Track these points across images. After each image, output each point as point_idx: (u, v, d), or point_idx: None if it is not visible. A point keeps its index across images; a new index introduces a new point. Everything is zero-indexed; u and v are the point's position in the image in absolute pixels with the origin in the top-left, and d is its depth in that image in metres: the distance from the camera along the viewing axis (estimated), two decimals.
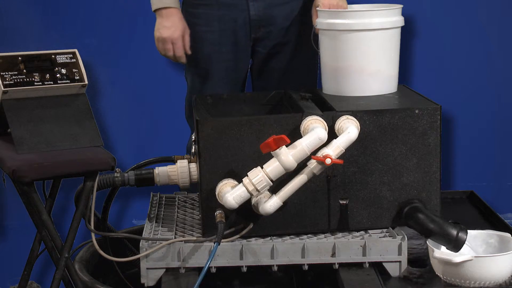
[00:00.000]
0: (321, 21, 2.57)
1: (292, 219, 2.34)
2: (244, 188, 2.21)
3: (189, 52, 2.76)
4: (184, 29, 2.74)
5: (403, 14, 2.59)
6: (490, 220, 2.66)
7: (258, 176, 2.20)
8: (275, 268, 2.31)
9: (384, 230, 2.37)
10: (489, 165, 3.35)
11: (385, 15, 2.51)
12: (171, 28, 2.71)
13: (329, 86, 2.59)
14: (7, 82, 2.48)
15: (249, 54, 2.85)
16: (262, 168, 2.21)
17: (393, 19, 2.53)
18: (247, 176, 2.22)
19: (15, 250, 3.24)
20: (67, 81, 2.54)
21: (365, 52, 2.51)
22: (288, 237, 2.34)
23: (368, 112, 2.32)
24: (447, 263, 2.19)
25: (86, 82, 2.56)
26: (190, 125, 2.95)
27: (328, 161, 2.21)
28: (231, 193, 2.22)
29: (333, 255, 2.29)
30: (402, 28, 2.59)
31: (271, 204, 2.23)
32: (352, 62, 2.52)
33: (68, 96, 2.56)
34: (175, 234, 2.39)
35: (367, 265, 2.30)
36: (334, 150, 2.23)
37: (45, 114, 2.51)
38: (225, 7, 2.78)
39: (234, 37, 2.80)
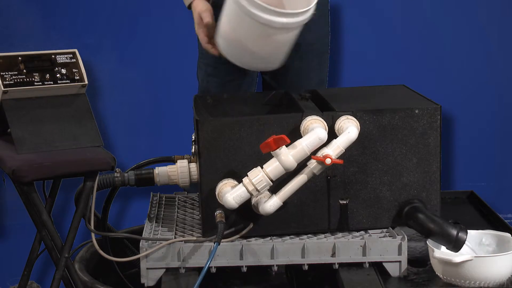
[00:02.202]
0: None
1: (292, 219, 2.34)
2: (244, 188, 2.21)
3: (208, 43, 2.63)
4: (201, 22, 2.61)
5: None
6: (490, 220, 2.66)
7: (258, 176, 2.20)
8: (275, 268, 2.32)
9: (384, 230, 2.37)
10: (489, 165, 3.35)
11: None
12: (195, 24, 2.65)
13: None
14: (7, 82, 2.47)
15: None
16: (262, 168, 2.21)
17: None
18: (247, 176, 2.22)
19: (15, 250, 3.24)
20: (67, 81, 2.54)
21: None
22: (288, 237, 2.34)
23: (368, 112, 2.32)
24: (447, 263, 2.19)
25: (86, 82, 2.56)
26: None
27: (328, 161, 2.21)
28: (231, 193, 2.22)
29: (333, 255, 2.29)
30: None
31: (271, 204, 2.23)
32: None
33: (68, 96, 2.56)
34: (175, 234, 2.39)
35: (367, 265, 2.30)
36: (334, 150, 2.23)
37: (45, 114, 2.51)
38: None
39: None
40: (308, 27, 2.82)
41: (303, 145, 2.21)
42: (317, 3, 2.80)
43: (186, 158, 2.57)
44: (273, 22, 2.38)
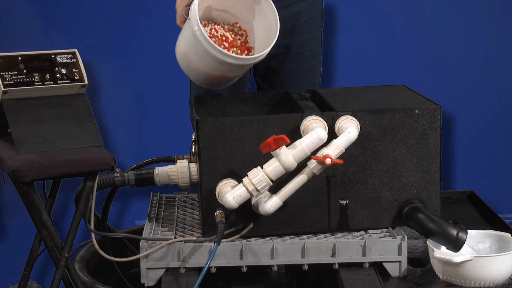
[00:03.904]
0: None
1: (292, 219, 2.34)
2: (244, 188, 2.21)
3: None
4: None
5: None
6: (490, 220, 2.66)
7: (258, 176, 2.20)
8: (275, 268, 2.32)
9: (384, 230, 2.37)
10: (489, 165, 3.35)
11: None
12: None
13: None
14: (7, 82, 2.48)
15: None
16: (262, 168, 2.21)
17: None
18: (247, 176, 2.22)
19: (15, 250, 3.24)
20: (67, 81, 2.54)
21: None
22: (288, 237, 2.34)
23: (368, 112, 2.32)
24: (447, 263, 2.20)
25: (86, 82, 2.56)
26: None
27: (328, 161, 2.21)
28: (231, 193, 2.22)
29: (333, 255, 2.29)
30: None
31: (271, 204, 2.23)
32: None
33: (68, 96, 2.56)
34: (175, 234, 2.39)
35: (367, 265, 2.30)
36: (334, 150, 2.23)
37: (45, 114, 2.51)
38: None
39: None
40: (299, 29, 2.82)
41: (303, 145, 2.21)
42: (309, 6, 2.81)
43: (186, 158, 2.57)
44: (224, 62, 2.46)
